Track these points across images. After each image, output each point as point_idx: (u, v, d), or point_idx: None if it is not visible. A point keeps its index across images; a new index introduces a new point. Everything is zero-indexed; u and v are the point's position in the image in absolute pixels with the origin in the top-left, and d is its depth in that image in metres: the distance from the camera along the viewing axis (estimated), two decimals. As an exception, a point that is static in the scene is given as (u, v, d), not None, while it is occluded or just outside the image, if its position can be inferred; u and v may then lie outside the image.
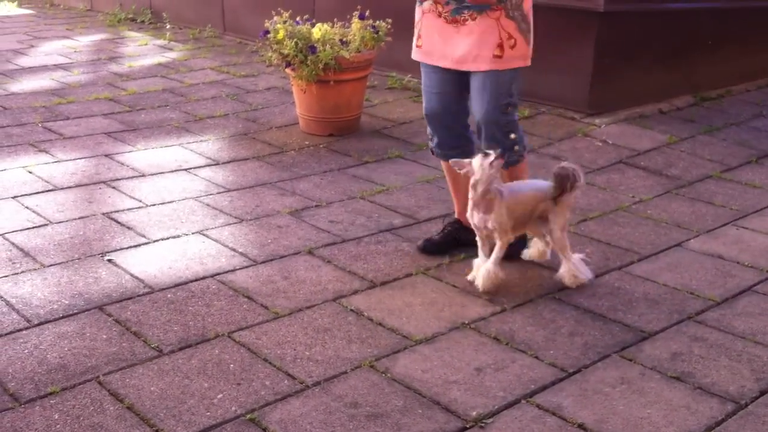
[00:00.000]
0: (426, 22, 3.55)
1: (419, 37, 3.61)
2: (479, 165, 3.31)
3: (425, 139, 3.53)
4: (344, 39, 5.35)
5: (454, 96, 3.61)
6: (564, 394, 2.77)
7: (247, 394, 2.72)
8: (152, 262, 3.61)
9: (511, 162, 3.60)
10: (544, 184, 3.51)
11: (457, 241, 3.81)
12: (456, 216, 3.91)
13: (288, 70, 5.37)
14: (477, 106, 3.52)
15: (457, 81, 3.56)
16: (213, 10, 8.55)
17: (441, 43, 3.51)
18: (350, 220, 4.12)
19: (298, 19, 5.39)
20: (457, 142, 3.68)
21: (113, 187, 4.45)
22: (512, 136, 3.56)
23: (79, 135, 5.31)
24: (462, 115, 3.67)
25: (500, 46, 3.41)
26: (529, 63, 3.53)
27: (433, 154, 3.81)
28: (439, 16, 3.47)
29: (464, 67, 3.49)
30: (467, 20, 3.41)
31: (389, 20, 5.46)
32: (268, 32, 5.29)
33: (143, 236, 3.86)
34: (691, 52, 6.41)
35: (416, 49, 3.65)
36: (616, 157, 5.17)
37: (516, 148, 3.59)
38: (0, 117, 5.65)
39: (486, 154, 3.31)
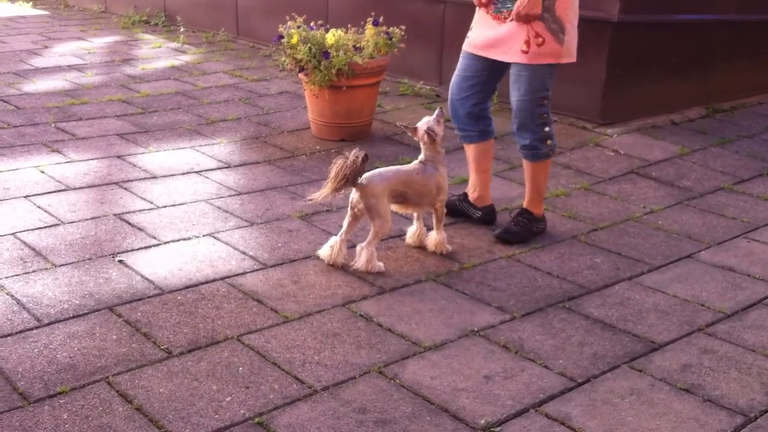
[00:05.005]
0: (477, 15, 3.93)
1: (471, 28, 3.95)
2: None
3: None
4: (358, 45, 5.36)
5: (478, 81, 3.96)
6: (573, 404, 2.77)
7: (256, 397, 2.72)
8: (163, 264, 3.62)
9: (541, 155, 3.93)
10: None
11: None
12: (477, 195, 4.20)
13: (301, 75, 5.39)
14: (513, 96, 3.89)
15: (486, 67, 3.92)
16: (227, 14, 8.59)
17: (482, 33, 3.89)
18: (360, 226, 4.11)
19: (311, 24, 5.41)
20: (473, 126, 4.06)
21: (125, 189, 4.47)
22: (546, 129, 3.87)
23: (91, 136, 5.34)
24: (475, 101, 4.00)
25: (527, 42, 3.72)
26: (562, 60, 3.81)
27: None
28: (488, 11, 3.85)
29: (490, 55, 3.86)
30: (506, 17, 3.77)
31: (403, 27, 5.47)
32: (281, 37, 5.31)
33: (154, 238, 3.87)
34: (704, 64, 6.40)
35: (466, 40, 3.99)
36: (628, 168, 5.16)
37: (549, 141, 3.90)
38: (13, 116, 5.68)
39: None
